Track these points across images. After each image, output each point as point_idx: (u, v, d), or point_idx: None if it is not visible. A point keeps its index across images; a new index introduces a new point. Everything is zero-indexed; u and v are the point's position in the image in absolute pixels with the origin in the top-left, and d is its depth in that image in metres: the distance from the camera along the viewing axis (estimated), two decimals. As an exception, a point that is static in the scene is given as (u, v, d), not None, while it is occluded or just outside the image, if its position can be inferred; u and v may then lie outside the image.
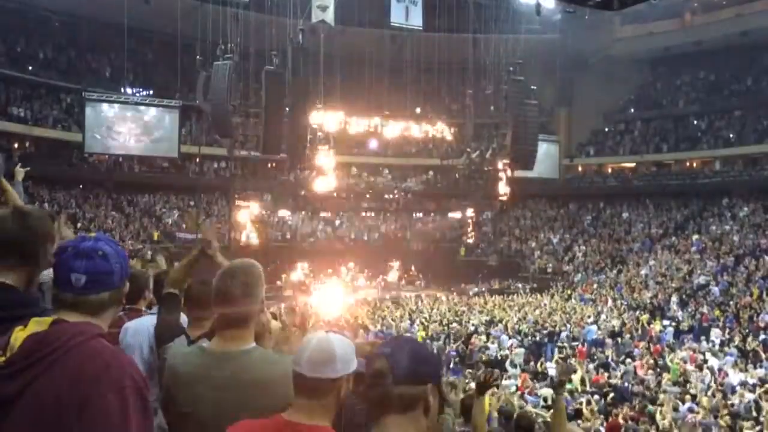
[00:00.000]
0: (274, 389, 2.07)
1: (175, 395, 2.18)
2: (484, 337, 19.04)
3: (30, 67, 31.73)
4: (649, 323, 21.97)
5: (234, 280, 2.18)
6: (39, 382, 1.52)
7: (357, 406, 2.28)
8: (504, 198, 29.60)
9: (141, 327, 3.37)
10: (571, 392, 12.44)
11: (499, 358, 16.86)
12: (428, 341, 18.01)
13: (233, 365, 2.12)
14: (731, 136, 34.78)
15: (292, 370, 1.79)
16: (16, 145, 30.74)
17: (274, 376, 2.10)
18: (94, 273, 1.65)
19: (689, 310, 23.94)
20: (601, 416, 10.97)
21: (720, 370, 14.93)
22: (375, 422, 1.57)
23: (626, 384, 13.52)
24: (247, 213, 26.86)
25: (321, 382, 1.74)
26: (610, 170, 39.50)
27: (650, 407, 11.42)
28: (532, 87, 26.80)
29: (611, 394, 12.55)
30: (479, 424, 4.05)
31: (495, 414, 7.40)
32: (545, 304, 25.69)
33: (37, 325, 1.59)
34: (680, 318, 23.16)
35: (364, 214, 36.47)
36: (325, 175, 28.20)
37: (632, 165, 38.11)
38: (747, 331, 20.41)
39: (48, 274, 1.95)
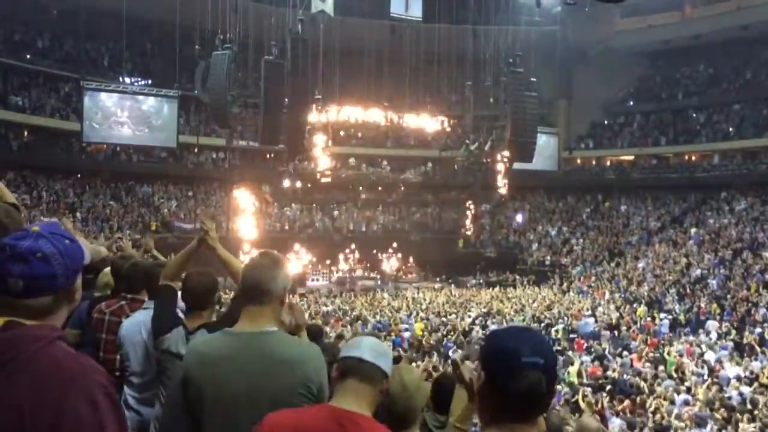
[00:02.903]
0: (297, 369, 2.11)
1: (199, 379, 2.14)
2: (481, 329, 19.06)
3: (28, 56, 31.60)
4: (650, 317, 22.01)
5: (264, 257, 2.29)
6: None
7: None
8: (502, 190, 29.60)
9: (136, 322, 3.39)
10: (570, 384, 12.50)
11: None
12: (427, 333, 18.04)
13: (260, 344, 2.13)
14: (730, 129, 34.76)
15: (343, 356, 1.87)
16: (13, 134, 30.67)
17: (298, 356, 2.15)
18: (31, 278, 1.44)
19: (686, 303, 24.00)
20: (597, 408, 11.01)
21: (716, 363, 14.97)
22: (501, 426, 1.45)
23: (624, 376, 13.55)
24: (245, 204, 26.81)
25: (377, 370, 1.83)
26: (608, 163, 39.50)
27: (647, 399, 11.46)
28: (532, 79, 26.72)
29: (608, 387, 12.60)
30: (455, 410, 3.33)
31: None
32: (543, 297, 25.75)
33: None
34: (677, 311, 23.22)
35: (361, 205, 36.39)
36: (323, 165, 28.17)
37: (631, 158, 38.08)
38: (744, 324, 20.47)
39: None
